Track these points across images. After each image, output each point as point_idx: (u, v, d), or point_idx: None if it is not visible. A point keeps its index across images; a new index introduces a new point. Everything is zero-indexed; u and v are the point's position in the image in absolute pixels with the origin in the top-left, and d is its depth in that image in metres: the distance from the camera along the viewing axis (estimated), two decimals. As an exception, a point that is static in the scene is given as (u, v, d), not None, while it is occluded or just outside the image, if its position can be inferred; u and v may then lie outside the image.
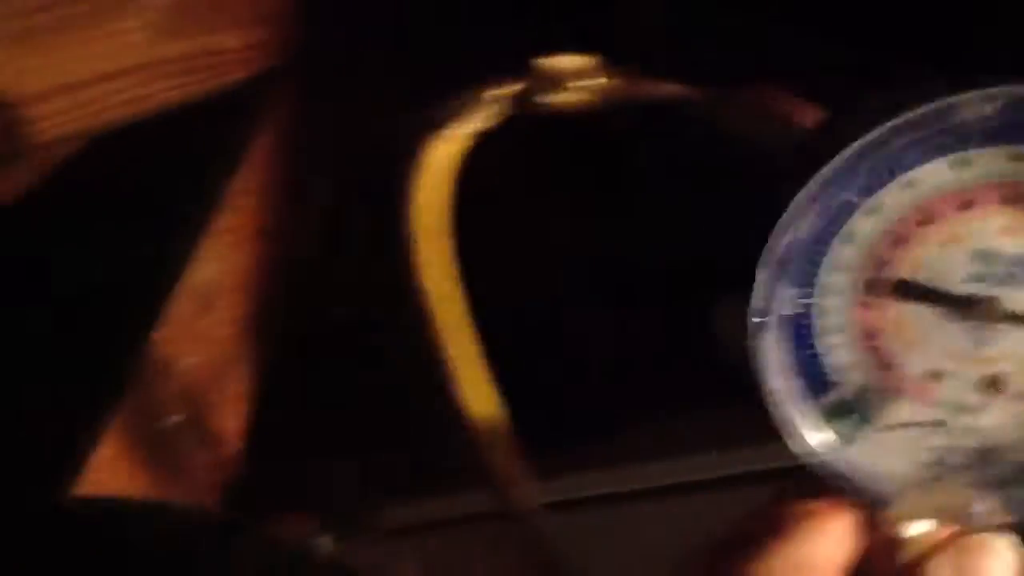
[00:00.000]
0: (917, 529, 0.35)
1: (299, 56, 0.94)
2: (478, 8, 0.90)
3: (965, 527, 0.35)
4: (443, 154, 0.38)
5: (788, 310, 0.33)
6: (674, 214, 0.81)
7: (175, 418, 0.92)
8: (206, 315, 0.93)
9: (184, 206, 0.92)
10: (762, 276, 0.32)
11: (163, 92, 0.90)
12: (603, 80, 0.36)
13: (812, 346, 0.34)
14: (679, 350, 0.69)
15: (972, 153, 0.31)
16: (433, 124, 0.38)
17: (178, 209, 0.92)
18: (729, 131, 0.35)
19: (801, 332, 0.34)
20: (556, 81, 0.36)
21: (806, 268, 0.33)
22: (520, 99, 0.37)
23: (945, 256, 0.33)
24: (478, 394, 0.39)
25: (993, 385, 0.35)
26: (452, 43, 0.89)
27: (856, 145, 0.30)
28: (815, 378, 0.34)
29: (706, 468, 0.66)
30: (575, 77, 0.36)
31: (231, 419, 0.95)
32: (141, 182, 0.93)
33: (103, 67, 0.87)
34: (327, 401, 0.92)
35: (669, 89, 0.35)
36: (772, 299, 0.33)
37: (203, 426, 0.93)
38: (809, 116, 0.34)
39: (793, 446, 0.34)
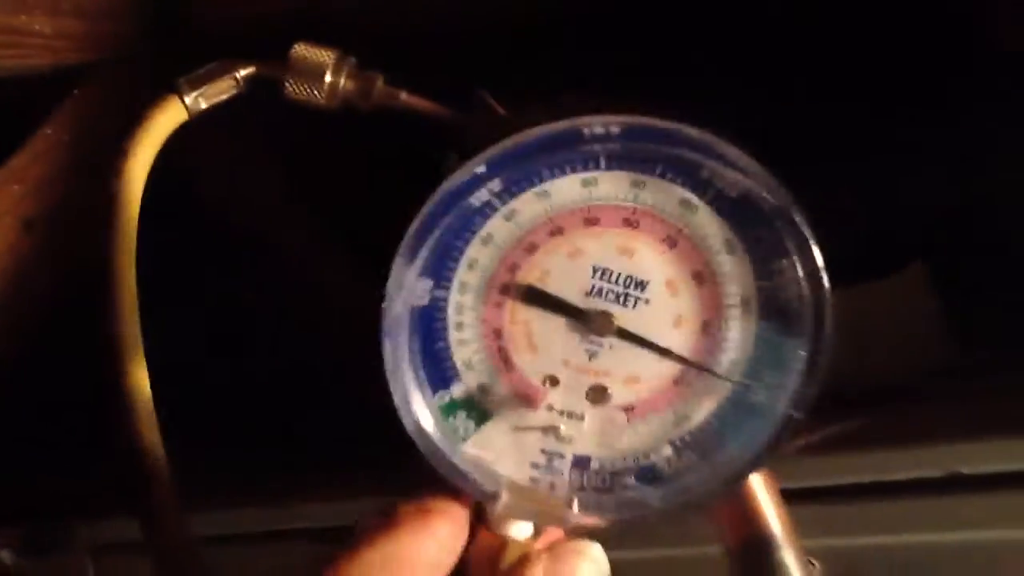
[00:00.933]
0: (518, 532, 0.35)
1: (107, 56, 0.89)
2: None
3: (563, 531, 0.36)
4: (167, 120, 0.35)
5: (420, 301, 0.35)
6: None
7: None
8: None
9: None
10: (396, 264, 0.34)
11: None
12: (353, 82, 0.35)
13: (442, 340, 0.34)
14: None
15: (599, 174, 0.34)
16: (170, 90, 0.36)
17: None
18: (469, 142, 0.34)
19: (433, 325, 0.35)
20: (306, 72, 0.35)
21: (443, 263, 0.34)
22: (265, 81, 0.35)
23: (570, 268, 0.35)
24: (136, 391, 0.36)
25: (598, 395, 0.36)
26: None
27: (494, 152, 0.32)
28: (441, 372, 0.35)
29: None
30: (326, 72, 0.35)
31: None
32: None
33: None
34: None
35: (418, 103, 0.35)
36: (404, 288, 0.34)
37: None
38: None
39: (408, 433, 0.35)
